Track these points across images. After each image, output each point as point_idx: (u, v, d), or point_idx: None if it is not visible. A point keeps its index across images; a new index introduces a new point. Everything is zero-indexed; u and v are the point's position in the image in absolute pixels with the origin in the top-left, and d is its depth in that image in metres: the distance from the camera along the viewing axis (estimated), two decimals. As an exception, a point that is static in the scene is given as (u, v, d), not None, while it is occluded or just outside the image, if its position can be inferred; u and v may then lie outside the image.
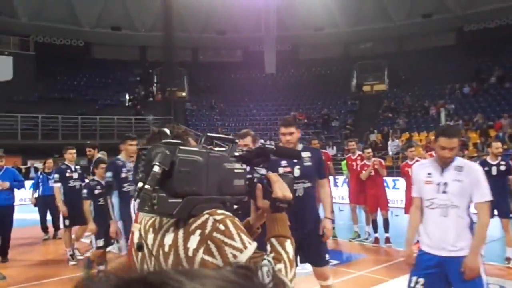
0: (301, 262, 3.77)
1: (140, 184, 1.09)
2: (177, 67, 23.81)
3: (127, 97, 23.78)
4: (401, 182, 9.67)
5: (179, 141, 1.18)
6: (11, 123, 18.49)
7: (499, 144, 6.18)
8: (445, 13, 24.80)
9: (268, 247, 1.20)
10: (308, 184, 3.64)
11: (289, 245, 1.20)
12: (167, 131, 1.26)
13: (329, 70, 26.81)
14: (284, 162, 3.65)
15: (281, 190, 1.23)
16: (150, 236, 1.21)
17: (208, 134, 1.27)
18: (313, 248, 3.60)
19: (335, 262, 6.24)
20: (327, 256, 3.67)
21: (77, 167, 6.75)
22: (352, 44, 27.71)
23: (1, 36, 23.22)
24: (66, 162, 6.70)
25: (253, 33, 26.67)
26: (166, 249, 1.15)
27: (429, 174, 3.03)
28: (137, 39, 26.90)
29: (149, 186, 1.06)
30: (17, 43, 23.81)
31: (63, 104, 21.33)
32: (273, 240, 1.20)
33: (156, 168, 1.07)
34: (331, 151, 15.41)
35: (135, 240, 1.25)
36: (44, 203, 7.95)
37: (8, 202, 6.48)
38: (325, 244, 3.72)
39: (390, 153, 16.64)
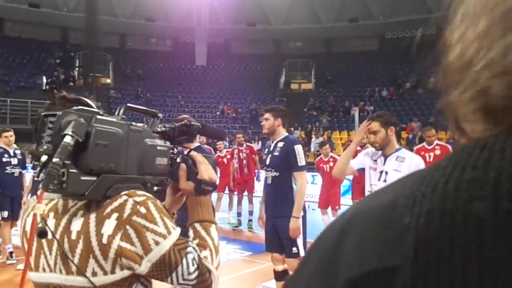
0: (267, 250, 3.80)
1: (44, 157, 0.92)
2: (102, 52, 22.66)
3: (44, 80, 22.11)
4: (319, 178, 10.06)
5: (96, 110, 1.01)
6: None
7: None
8: (369, 19, 26.19)
9: (191, 233, 1.10)
10: (275, 173, 3.62)
11: (214, 231, 1.12)
12: (79, 98, 1.09)
13: (259, 66, 27.11)
14: (266, 150, 3.79)
15: (207, 171, 1.14)
16: (51, 222, 1.02)
17: (128, 104, 1.12)
18: (281, 237, 3.60)
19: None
20: (294, 249, 3.57)
21: (17, 151, 5.89)
22: (283, 42, 28.26)
23: None
24: (3, 146, 5.84)
25: (184, 23, 26.15)
26: (73, 236, 0.98)
27: (375, 161, 3.13)
28: (58, 19, 25.09)
29: (58, 160, 0.88)
30: None
31: (-32, 83, 19.32)
32: (197, 225, 1.11)
33: (68, 139, 0.89)
34: (257, 145, 15.60)
35: (40, 225, 1.03)
36: None
37: None
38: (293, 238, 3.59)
39: (312, 149, 17.24)
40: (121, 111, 1.08)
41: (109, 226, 0.97)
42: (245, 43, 28.29)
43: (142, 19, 26.80)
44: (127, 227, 0.96)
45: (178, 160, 1.14)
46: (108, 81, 24.96)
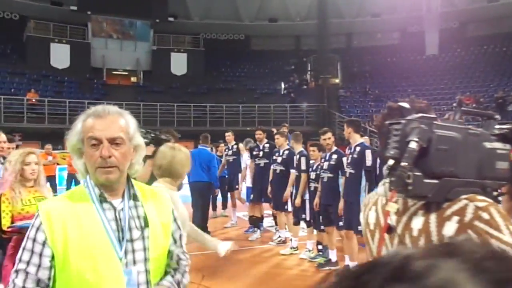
0: None
1: (391, 162, 1.02)
2: (331, 54, 23.80)
3: (282, 85, 24.79)
4: None
5: (434, 116, 1.07)
6: (186, 112, 21.21)
7: None
8: None
9: None
10: None
11: None
12: (406, 105, 1.16)
13: (505, 47, 23.28)
14: None
15: None
16: (392, 218, 1.11)
17: (463, 108, 1.16)
18: None
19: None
20: None
21: (266, 145, 7.15)
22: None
23: (178, 36, 26.66)
24: (257, 142, 7.34)
25: (411, 12, 24.82)
26: (415, 233, 1.05)
27: None
28: (292, 29, 27.71)
29: (405, 163, 0.97)
30: (190, 41, 27.01)
31: (227, 94, 23.47)
32: None
33: (413, 144, 0.97)
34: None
35: (389, 221, 1.11)
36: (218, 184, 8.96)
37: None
38: None
39: None
40: (457, 115, 1.11)
41: (450, 228, 0.99)
42: (485, 23, 24.75)
43: (368, 16, 26.84)
44: (469, 231, 0.96)
45: None
46: (337, 81, 25.99)
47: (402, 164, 0.97)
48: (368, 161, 4.91)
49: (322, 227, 5.66)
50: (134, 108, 20.81)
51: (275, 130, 7.44)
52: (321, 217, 5.60)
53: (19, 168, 3.04)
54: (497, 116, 1.14)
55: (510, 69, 21.55)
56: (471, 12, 24.40)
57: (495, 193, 1.08)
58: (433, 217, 1.03)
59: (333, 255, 5.57)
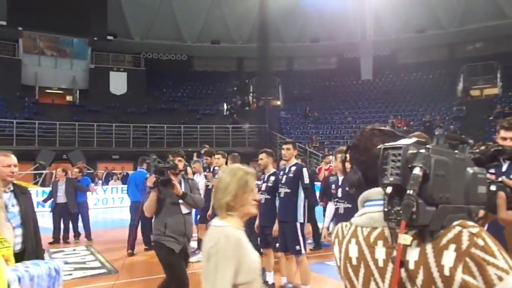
0: None
1: (389, 189, 0.97)
2: (272, 76, 24.36)
3: (225, 106, 24.88)
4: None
5: (424, 141, 1.04)
6: (125, 132, 20.53)
7: None
8: None
9: None
10: None
11: None
12: (392, 130, 1.14)
13: (431, 74, 25.17)
14: None
15: None
16: (381, 250, 1.05)
17: (446, 133, 1.12)
18: None
19: None
20: None
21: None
22: (458, 45, 25.71)
23: (118, 55, 26.00)
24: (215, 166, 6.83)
25: (348, 39, 26.19)
26: (411, 266, 0.99)
27: None
28: (234, 51, 28.09)
29: (412, 191, 0.92)
30: (131, 60, 26.44)
31: (168, 114, 23.09)
32: None
33: (417, 170, 0.94)
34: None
35: (377, 255, 1.04)
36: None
37: None
38: None
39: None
40: (441, 141, 1.07)
41: (448, 257, 0.94)
42: (413, 52, 26.71)
43: (308, 41, 27.92)
44: (467, 259, 0.93)
45: (492, 188, 1.08)
46: (278, 103, 26.59)
47: (409, 191, 0.92)
48: (306, 179, 4.98)
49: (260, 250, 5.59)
50: (69, 128, 19.80)
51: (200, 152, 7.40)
52: (258, 239, 5.53)
53: None
54: (470, 141, 1.12)
55: (436, 95, 23.27)
56: (401, 41, 26.22)
57: (476, 218, 1.05)
58: (429, 247, 0.98)
59: (270, 277, 5.51)
